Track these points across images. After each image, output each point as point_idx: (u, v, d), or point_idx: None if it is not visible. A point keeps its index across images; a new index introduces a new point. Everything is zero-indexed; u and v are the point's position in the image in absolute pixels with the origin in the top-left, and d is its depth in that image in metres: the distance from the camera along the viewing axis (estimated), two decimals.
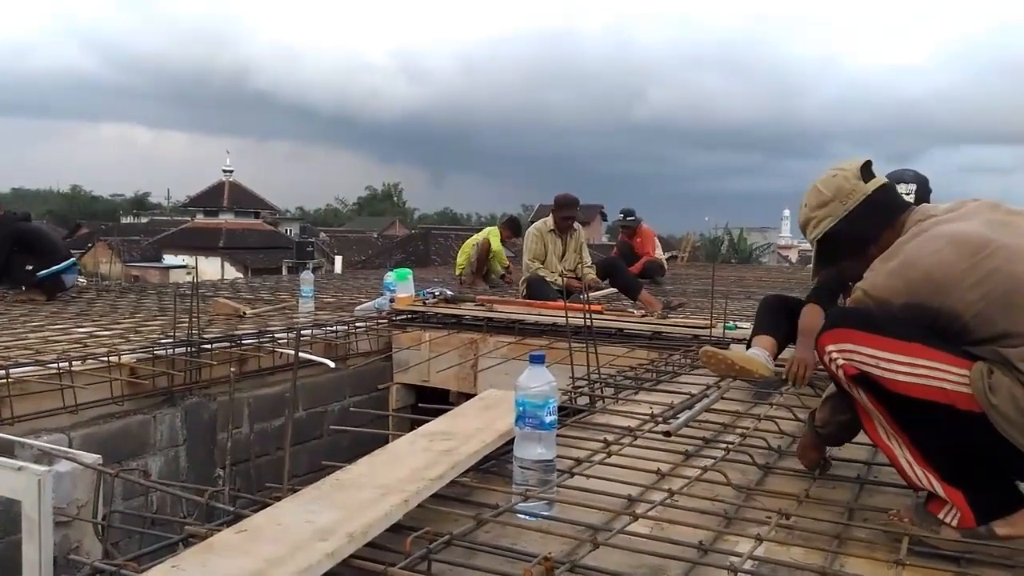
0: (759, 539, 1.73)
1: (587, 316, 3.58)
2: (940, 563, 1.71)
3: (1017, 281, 1.67)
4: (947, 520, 1.74)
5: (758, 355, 3.25)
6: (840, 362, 1.79)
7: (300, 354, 4.46)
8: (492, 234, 8.88)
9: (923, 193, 3.93)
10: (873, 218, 1.96)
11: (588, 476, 2.23)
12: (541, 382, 2.01)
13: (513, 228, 9.07)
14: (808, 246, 2.29)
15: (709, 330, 4.73)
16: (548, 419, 2.00)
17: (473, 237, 9.03)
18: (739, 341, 4.68)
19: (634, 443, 2.59)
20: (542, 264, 6.80)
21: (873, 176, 2.01)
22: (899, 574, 1.58)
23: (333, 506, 1.66)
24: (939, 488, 1.73)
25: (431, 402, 4.30)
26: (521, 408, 2.00)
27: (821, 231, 2.02)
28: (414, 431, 2.28)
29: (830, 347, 1.81)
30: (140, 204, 70.40)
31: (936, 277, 1.72)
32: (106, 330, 4.93)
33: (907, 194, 3.91)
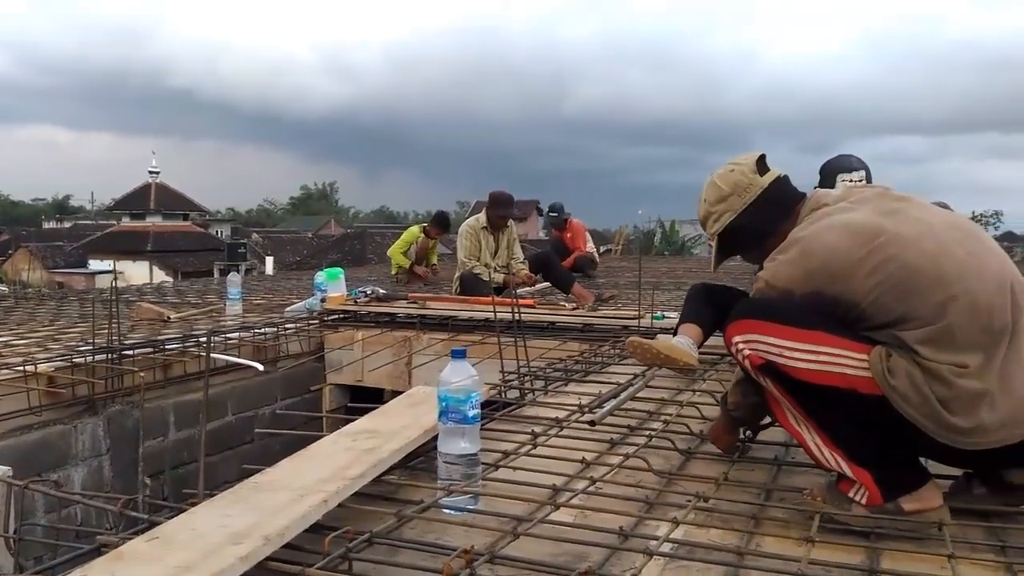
0: (676, 522, 1.76)
1: (515, 310, 3.59)
2: (851, 539, 1.77)
3: (910, 268, 1.73)
4: (856, 498, 1.80)
5: (682, 343, 3.31)
6: (746, 352, 1.84)
7: (227, 357, 4.39)
8: (414, 231, 8.95)
9: (870, 180, 4.01)
10: (771, 210, 2.02)
11: (514, 468, 2.24)
12: (463, 376, 2.01)
13: (442, 224, 9.07)
14: None
15: (638, 321, 4.80)
16: (471, 413, 2.00)
17: (403, 236, 9.01)
18: (667, 330, 4.76)
19: (561, 434, 2.61)
20: (477, 261, 6.82)
21: (768, 169, 2.07)
22: (809, 551, 1.63)
23: (249, 509, 1.63)
24: (847, 469, 1.79)
25: (366, 402, 4.27)
26: (444, 403, 2.00)
27: (722, 225, 2.07)
28: (338, 431, 2.26)
29: (736, 338, 1.87)
30: (62, 208, 68.11)
31: (832, 266, 1.78)
32: (23, 339, 4.76)
33: (858, 181, 3.95)
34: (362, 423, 2.34)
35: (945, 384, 1.67)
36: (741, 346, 1.87)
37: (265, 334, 5.10)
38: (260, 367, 4.35)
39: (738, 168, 2.07)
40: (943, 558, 1.60)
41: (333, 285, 5.86)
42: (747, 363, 1.87)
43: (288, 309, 6.07)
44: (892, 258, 1.74)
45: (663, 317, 5.05)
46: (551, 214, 10.06)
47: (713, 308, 3.50)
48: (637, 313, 4.98)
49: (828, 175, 3.93)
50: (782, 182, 2.07)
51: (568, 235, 9.91)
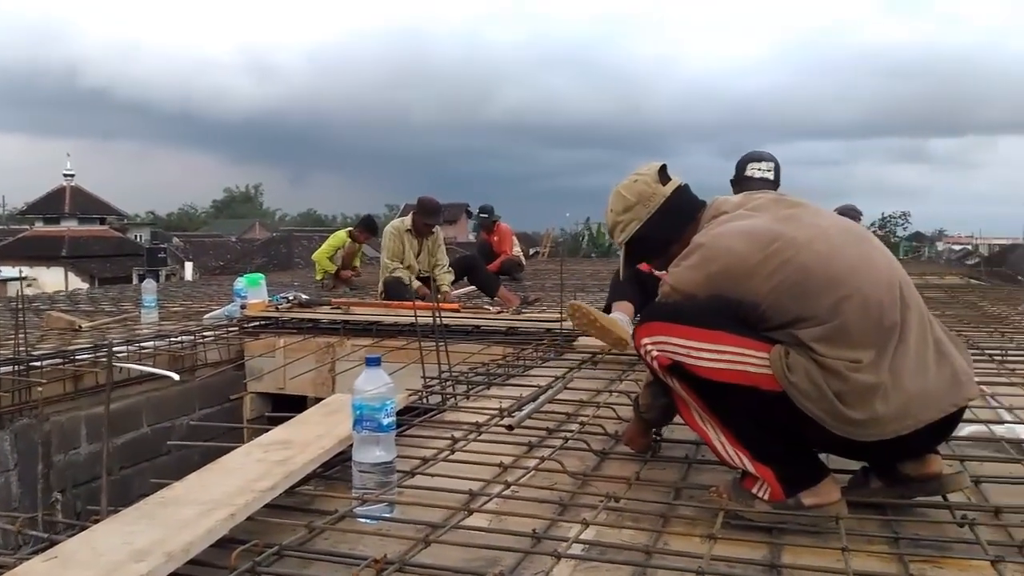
0: (586, 523, 1.80)
1: (436, 315, 3.60)
2: (754, 535, 1.83)
3: (804, 271, 1.81)
4: (759, 494, 1.87)
5: (623, 320, 3.37)
6: (655, 353, 1.90)
7: (140, 367, 4.27)
8: (341, 236, 8.87)
9: (779, 173, 4.19)
10: (674, 218, 2.09)
11: (432, 475, 2.25)
12: (378, 384, 2.01)
13: (369, 228, 9.02)
14: None
15: (560, 324, 4.85)
16: (386, 421, 2.00)
17: (329, 241, 8.91)
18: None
19: (480, 438, 2.63)
20: (400, 263, 6.77)
21: (670, 179, 2.13)
22: (712, 548, 1.68)
23: (154, 525, 1.59)
24: (750, 466, 1.86)
25: (288, 410, 4.20)
26: (358, 412, 1.99)
27: (628, 234, 2.12)
28: (251, 442, 2.22)
29: (645, 340, 1.92)
30: None
31: (733, 270, 1.85)
32: None
33: (767, 171, 4.12)
34: (276, 434, 2.31)
35: (840, 379, 1.75)
36: (650, 347, 1.92)
37: (182, 342, 4.99)
38: (175, 377, 4.25)
39: (641, 178, 2.13)
40: (839, 551, 1.67)
41: (253, 291, 5.75)
42: (655, 364, 1.93)
43: (207, 316, 5.94)
44: (788, 261, 1.82)
45: None
46: (482, 215, 10.09)
47: (640, 287, 3.62)
48: (560, 316, 5.04)
49: (740, 167, 4.14)
50: (683, 190, 2.14)
51: (495, 238, 9.96)
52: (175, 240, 38.27)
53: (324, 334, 5.36)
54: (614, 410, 2.88)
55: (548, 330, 4.94)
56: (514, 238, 10.26)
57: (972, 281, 11.15)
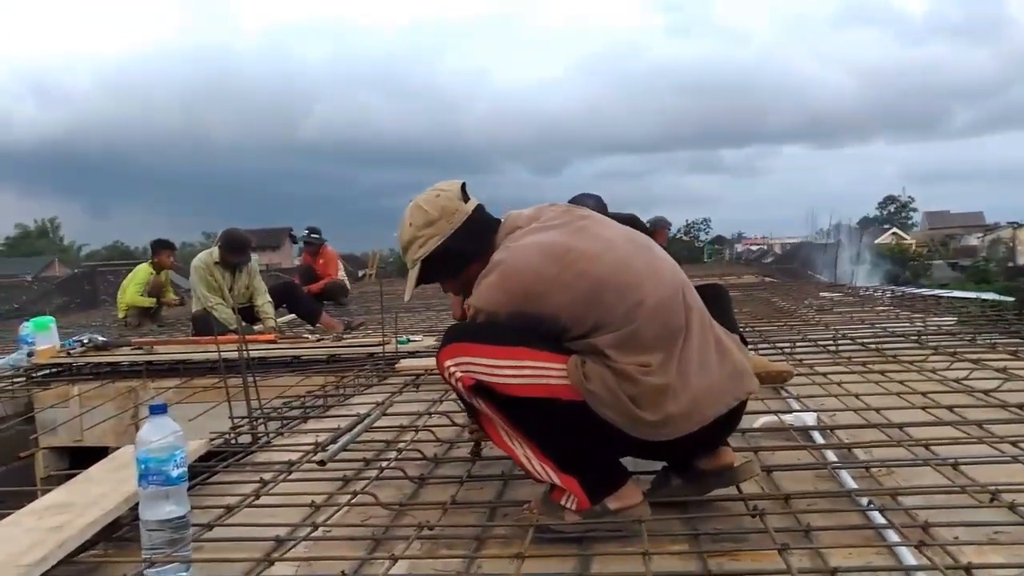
0: (394, 559, 1.74)
1: (243, 348, 3.42)
2: (564, 547, 1.84)
3: (596, 281, 1.86)
4: (568, 505, 1.89)
5: None
6: (458, 375, 1.88)
7: None
8: (144, 269, 8.33)
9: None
10: (476, 235, 2.07)
11: (234, 524, 2.11)
12: (164, 434, 1.85)
13: (166, 246, 8.55)
14: None
15: (383, 347, 4.77)
16: (175, 473, 1.84)
17: (136, 278, 8.29)
18: (413, 354, 4.79)
19: (291, 478, 2.50)
20: (219, 297, 6.34)
21: (469, 197, 2.12)
22: (519, 567, 1.67)
23: None
24: (556, 478, 1.87)
25: (89, 463, 3.83)
26: (144, 465, 1.82)
27: (427, 250, 2.07)
28: (22, 509, 1.99)
29: (447, 363, 1.89)
30: None
31: (531, 286, 1.87)
32: None
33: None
34: (55, 496, 2.09)
35: (632, 382, 1.80)
36: (453, 369, 1.90)
37: None
38: None
39: (444, 194, 2.10)
40: (642, 554, 1.71)
41: (42, 336, 5.25)
42: (460, 385, 1.91)
43: None
44: (582, 274, 1.86)
45: (408, 341, 5.08)
46: (313, 236, 9.75)
47: None
48: (382, 339, 4.96)
49: None
50: (482, 209, 2.13)
51: (321, 261, 9.68)
52: None
53: (125, 378, 4.96)
54: (433, 432, 2.84)
55: (371, 355, 4.84)
56: (340, 262, 10.03)
57: (766, 280, 12.08)
